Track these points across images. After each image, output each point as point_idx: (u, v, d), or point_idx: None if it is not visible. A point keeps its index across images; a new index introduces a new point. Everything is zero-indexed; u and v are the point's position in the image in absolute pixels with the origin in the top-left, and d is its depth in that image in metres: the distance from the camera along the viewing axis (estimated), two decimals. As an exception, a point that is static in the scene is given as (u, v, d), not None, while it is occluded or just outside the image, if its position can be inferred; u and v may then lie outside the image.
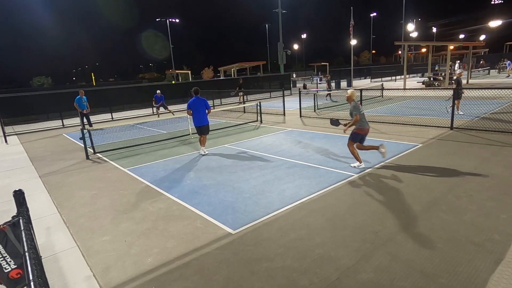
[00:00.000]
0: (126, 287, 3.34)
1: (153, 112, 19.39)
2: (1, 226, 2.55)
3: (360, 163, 6.63)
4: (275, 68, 66.35)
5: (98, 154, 9.50)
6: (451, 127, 9.36)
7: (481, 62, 38.53)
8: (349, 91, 6.92)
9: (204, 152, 8.55)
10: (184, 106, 23.52)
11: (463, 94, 11.42)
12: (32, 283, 1.54)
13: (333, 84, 24.56)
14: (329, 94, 20.87)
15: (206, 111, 8.54)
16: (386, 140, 8.67)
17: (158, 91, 17.34)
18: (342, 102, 18.59)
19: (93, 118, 17.27)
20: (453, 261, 3.31)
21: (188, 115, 8.64)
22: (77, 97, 13.72)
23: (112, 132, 13.34)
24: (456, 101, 10.68)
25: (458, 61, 35.49)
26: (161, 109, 17.84)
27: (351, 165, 6.68)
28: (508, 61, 30.00)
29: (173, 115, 16.31)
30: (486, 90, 12.47)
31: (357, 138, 6.57)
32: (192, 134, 11.46)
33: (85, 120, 13.84)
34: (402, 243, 3.72)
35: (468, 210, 4.40)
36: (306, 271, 3.33)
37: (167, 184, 6.33)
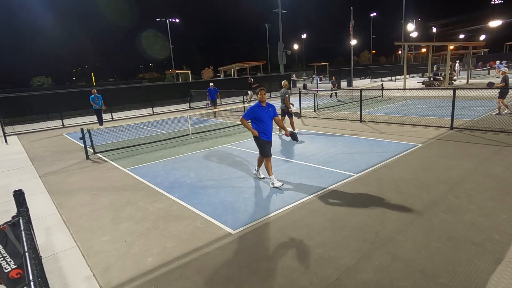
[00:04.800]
0: (126, 287, 3.34)
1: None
2: (1, 226, 2.55)
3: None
4: (275, 68, 66.31)
5: (98, 154, 9.50)
6: (451, 127, 9.36)
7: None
8: (283, 82, 10.28)
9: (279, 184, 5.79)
10: (184, 106, 23.63)
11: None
12: (32, 283, 1.54)
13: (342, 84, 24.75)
14: (335, 93, 21.04)
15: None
16: (386, 140, 8.67)
17: (211, 84, 17.19)
18: (348, 101, 18.61)
19: (92, 118, 17.34)
20: (453, 261, 3.31)
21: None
22: (91, 96, 14.49)
23: (112, 132, 13.34)
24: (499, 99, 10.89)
25: (458, 61, 35.42)
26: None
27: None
28: (499, 64, 29.80)
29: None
30: (486, 90, 12.45)
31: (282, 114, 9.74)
32: (192, 134, 11.45)
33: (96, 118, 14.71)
34: (402, 243, 3.72)
35: (468, 210, 4.40)
36: (306, 271, 3.33)
37: (167, 184, 6.33)
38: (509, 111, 11.19)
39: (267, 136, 5.74)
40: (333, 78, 21.79)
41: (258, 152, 5.93)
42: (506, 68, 11.80)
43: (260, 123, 5.70)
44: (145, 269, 3.61)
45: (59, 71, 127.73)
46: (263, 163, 5.93)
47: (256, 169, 6.30)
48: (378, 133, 9.71)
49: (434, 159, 6.72)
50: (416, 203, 4.73)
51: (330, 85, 22.77)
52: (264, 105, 5.75)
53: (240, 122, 5.98)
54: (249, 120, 5.76)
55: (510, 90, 10.73)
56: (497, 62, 31.43)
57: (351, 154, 7.56)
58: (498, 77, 11.78)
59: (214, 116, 16.72)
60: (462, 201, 4.67)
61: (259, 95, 5.76)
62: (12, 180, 7.48)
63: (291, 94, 10.66)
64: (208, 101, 17.49)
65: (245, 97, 22.12)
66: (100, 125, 14.44)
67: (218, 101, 18.13)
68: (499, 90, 10.92)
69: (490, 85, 10.50)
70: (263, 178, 6.23)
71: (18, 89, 53.75)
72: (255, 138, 5.78)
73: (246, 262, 3.59)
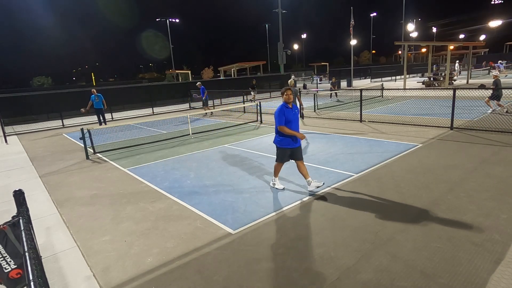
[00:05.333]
0: (126, 287, 3.34)
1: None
2: (1, 226, 2.55)
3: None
4: (275, 68, 66.35)
5: (98, 154, 9.50)
6: (451, 127, 9.36)
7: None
8: (289, 81, 10.48)
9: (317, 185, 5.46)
10: (184, 106, 23.61)
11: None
12: (32, 283, 1.54)
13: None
14: (335, 93, 21.08)
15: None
16: (386, 140, 8.67)
17: (199, 83, 17.57)
18: (347, 101, 18.61)
19: (92, 118, 17.34)
20: (453, 261, 3.32)
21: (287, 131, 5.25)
22: (92, 95, 14.71)
23: (112, 132, 13.34)
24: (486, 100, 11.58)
25: (458, 61, 35.41)
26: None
27: None
28: (499, 63, 29.80)
29: None
30: (487, 90, 12.46)
31: None
32: (192, 134, 11.45)
33: (101, 118, 14.83)
34: (402, 243, 3.72)
35: (468, 210, 4.40)
36: (306, 271, 3.33)
37: (167, 184, 6.33)
38: (492, 110, 11.66)
39: (296, 141, 5.34)
40: (333, 79, 21.85)
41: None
42: (497, 72, 12.35)
43: (290, 125, 5.24)
44: (145, 269, 3.61)
45: (59, 71, 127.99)
46: (300, 169, 5.48)
47: (308, 181, 5.49)
48: (378, 133, 9.71)
49: (434, 159, 6.72)
50: (416, 203, 4.73)
51: (330, 86, 22.81)
52: (291, 106, 5.32)
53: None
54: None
55: (503, 92, 11.22)
56: (499, 62, 31.21)
57: (351, 154, 7.56)
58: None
59: (206, 114, 17.02)
60: (462, 201, 4.67)
61: (285, 96, 5.26)
62: (12, 180, 7.48)
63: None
64: (202, 100, 17.61)
65: (245, 97, 22.11)
66: (99, 125, 14.58)
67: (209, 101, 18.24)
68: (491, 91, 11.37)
69: (482, 87, 10.95)
70: (320, 185, 5.41)
71: (18, 89, 53.76)
72: (282, 145, 5.35)
73: (246, 262, 3.59)
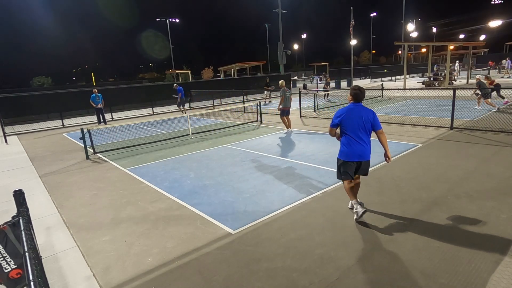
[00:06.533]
0: (126, 287, 3.34)
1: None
2: (1, 226, 2.55)
3: (287, 128, 10.64)
4: (275, 68, 66.37)
5: (98, 154, 9.50)
6: (451, 127, 9.36)
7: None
8: (279, 81, 10.94)
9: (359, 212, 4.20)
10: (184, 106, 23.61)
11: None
12: (32, 283, 1.54)
13: (332, 85, 24.83)
14: (327, 94, 21.05)
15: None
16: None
17: (175, 85, 18.19)
18: (341, 102, 18.59)
19: (92, 118, 17.35)
20: (453, 261, 3.31)
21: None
22: (92, 95, 15.44)
23: (112, 132, 13.34)
24: (484, 100, 12.41)
25: (458, 61, 35.33)
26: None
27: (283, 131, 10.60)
28: (509, 61, 29.73)
29: None
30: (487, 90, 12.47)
31: (283, 113, 10.50)
32: (192, 134, 11.45)
33: (100, 117, 15.61)
34: (402, 243, 3.72)
35: (468, 210, 4.40)
36: (306, 271, 3.33)
37: (167, 184, 6.33)
38: (497, 108, 12.26)
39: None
40: (327, 79, 21.91)
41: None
42: (480, 76, 13.28)
43: None
44: (145, 269, 3.61)
45: (59, 71, 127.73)
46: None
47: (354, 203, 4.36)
48: (378, 133, 9.69)
49: (434, 159, 6.72)
50: (416, 203, 4.73)
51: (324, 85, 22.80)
52: None
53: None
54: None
55: (490, 91, 12.25)
56: (508, 61, 30.64)
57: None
58: (503, 77, 12.45)
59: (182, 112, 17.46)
60: (462, 201, 4.67)
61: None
62: (12, 180, 7.48)
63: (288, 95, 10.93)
64: (179, 101, 17.79)
65: (245, 97, 22.06)
66: (98, 124, 14.84)
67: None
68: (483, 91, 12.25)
69: (478, 85, 12.22)
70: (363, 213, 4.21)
71: (18, 89, 53.74)
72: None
73: (246, 262, 3.59)
